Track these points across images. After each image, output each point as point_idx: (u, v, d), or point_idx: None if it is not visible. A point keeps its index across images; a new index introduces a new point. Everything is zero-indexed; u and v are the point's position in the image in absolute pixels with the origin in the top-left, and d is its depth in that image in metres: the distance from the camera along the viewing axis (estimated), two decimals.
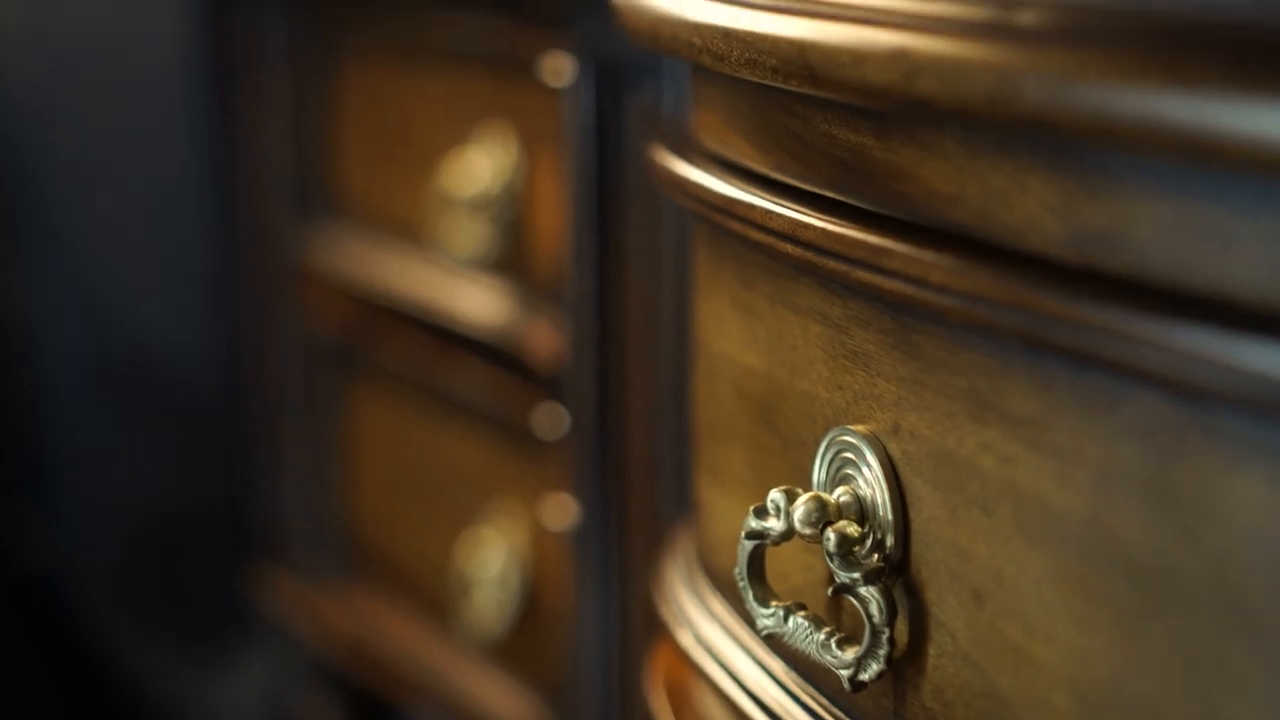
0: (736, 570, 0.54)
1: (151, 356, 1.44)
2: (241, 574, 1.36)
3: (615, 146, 0.83)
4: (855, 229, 0.49)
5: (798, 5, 0.50)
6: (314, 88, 1.22)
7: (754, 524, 0.53)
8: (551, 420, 0.92)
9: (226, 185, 1.38)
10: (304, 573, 1.26)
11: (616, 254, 0.83)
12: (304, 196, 1.24)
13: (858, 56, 0.46)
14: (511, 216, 1.00)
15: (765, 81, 0.52)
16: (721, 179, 0.58)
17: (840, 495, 0.52)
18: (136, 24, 1.40)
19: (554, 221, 0.95)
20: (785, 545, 0.53)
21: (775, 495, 0.52)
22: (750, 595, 0.54)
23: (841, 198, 0.51)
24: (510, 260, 1.01)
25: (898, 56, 0.45)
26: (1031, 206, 0.44)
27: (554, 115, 0.90)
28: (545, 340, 0.95)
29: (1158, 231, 0.40)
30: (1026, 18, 0.42)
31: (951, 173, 0.46)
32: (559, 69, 0.85)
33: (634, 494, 0.82)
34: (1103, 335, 0.41)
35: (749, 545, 0.53)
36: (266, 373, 1.30)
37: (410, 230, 1.11)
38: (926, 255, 0.46)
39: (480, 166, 1.02)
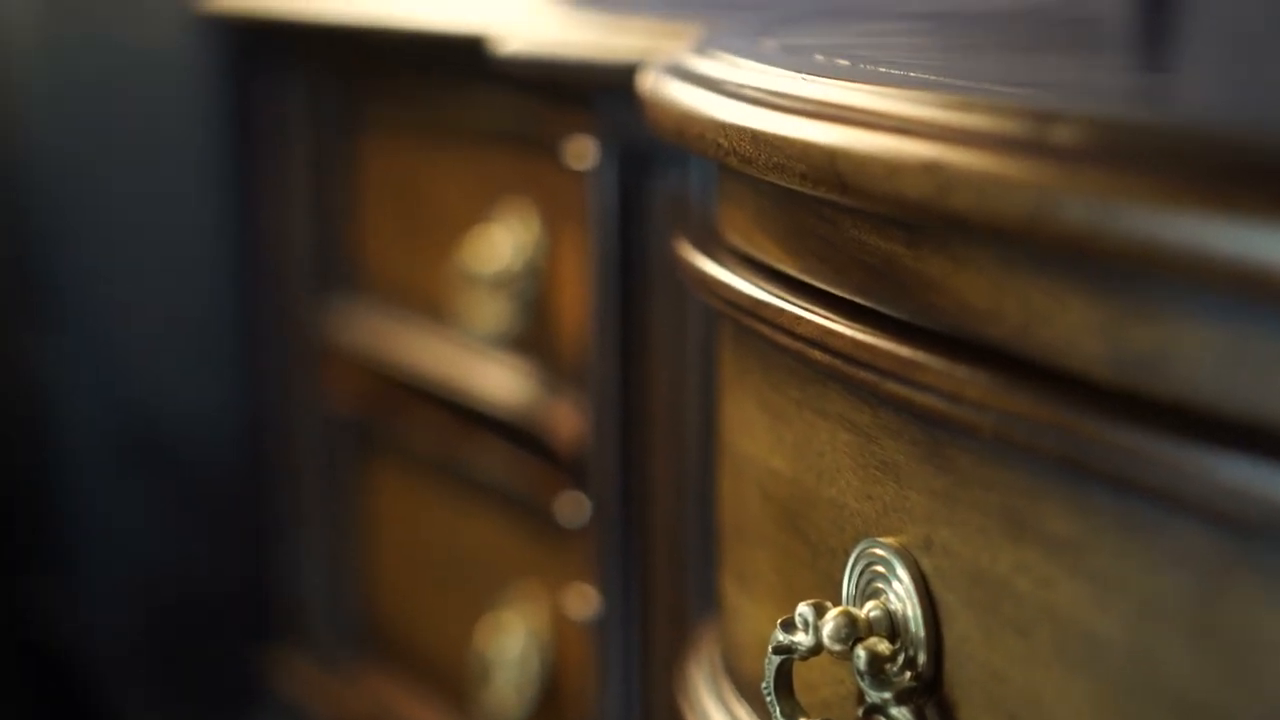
0: (764, 684, 0.53)
1: (172, 432, 1.44)
2: (259, 652, 1.35)
3: (639, 230, 0.82)
4: (886, 340, 0.48)
5: (829, 110, 0.49)
6: (336, 163, 1.21)
7: (781, 638, 0.51)
8: (573, 507, 0.90)
9: (248, 260, 1.38)
10: (321, 653, 1.25)
11: (640, 339, 0.82)
12: (325, 271, 1.23)
13: (890, 168, 0.45)
14: (533, 294, 0.99)
15: (793, 187, 0.51)
16: (748, 280, 0.57)
17: (870, 610, 0.50)
18: (160, 100, 1.40)
19: (577, 300, 0.94)
20: None
21: (804, 609, 0.51)
22: (778, 710, 0.52)
23: (872, 305, 0.50)
24: (532, 338, 1.00)
25: (931, 170, 0.44)
26: (1071, 325, 0.43)
27: (576, 193, 0.90)
28: (568, 422, 0.94)
29: (1204, 357, 0.39)
30: (1062, 135, 0.41)
31: (987, 287, 0.45)
32: (582, 152, 0.85)
33: (658, 585, 0.81)
34: (1144, 462, 0.40)
35: (776, 659, 0.52)
36: (286, 449, 1.29)
37: (431, 306, 1.11)
38: (960, 371, 0.45)
39: (502, 243, 1.01)
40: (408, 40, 1.06)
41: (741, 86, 0.55)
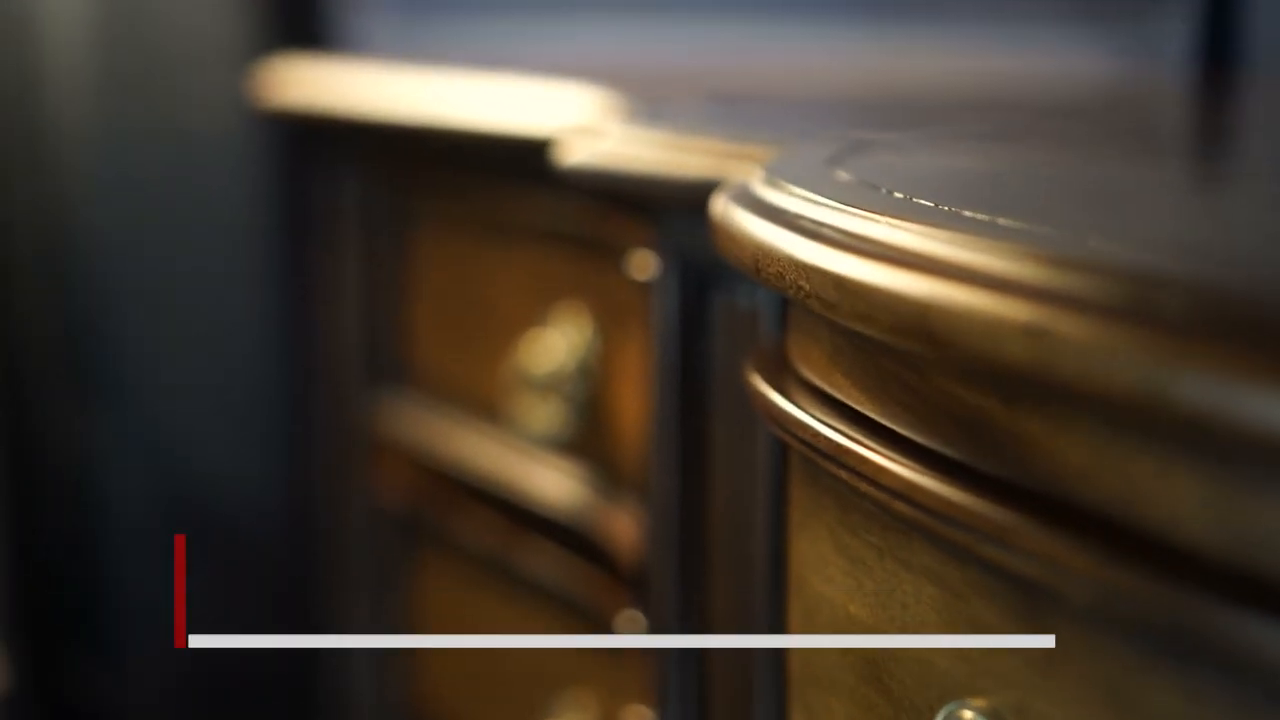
0: None
1: (218, 515, 1.43)
2: None
3: (701, 345, 0.81)
4: (979, 500, 0.47)
5: (920, 262, 0.47)
6: (388, 256, 1.21)
7: None
8: (629, 625, 0.89)
9: (297, 347, 1.37)
10: None
11: (702, 456, 0.80)
12: (376, 364, 1.23)
13: (986, 327, 0.44)
14: (586, 397, 0.98)
15: (879, 338, 0.49)
16: (827, 422, 0.55)
17: None
18: (215, 190, 1.40)
19: (633, 407, 0.93)
20: None
21: None
22: None
23: (962, 459, 0.49)
24: (586, 443, 0.99)
25: (1032, 333, 0.42)
26: (1178, 498, 0.41)
27: (632, 299, 0.88)
28: (625, 531, 0.92)
29: None
30: (1172, 305, 0.40)
31: (1086, 452, 0.44)
32: (644, 264, 0.83)
33: (717, 713, 0.79)
34: (1257, 646, 0.38)
35: None
36: (333, 537, 1.28)
37: (482, 404, 1.10)
38: (1059, 539, 0.43)
39: (556, 345, 1.00)
40: (465, 141, 1.05)
41: (821, 225, 0.53)
